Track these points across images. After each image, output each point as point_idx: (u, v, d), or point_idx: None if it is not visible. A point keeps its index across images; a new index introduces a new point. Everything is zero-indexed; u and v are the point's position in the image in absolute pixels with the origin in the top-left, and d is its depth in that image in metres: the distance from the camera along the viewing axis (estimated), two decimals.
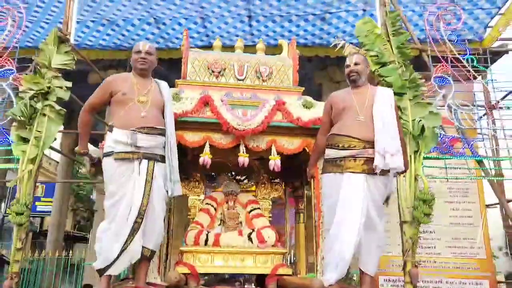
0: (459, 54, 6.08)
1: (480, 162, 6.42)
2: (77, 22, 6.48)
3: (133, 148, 3.75)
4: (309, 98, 4.70)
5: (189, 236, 4.74)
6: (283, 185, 5.66)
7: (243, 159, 4.42)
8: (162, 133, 3.91)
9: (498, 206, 7.70)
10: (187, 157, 4.85)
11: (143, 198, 3.68)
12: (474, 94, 6.61)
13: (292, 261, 6.37)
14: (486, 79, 6.89)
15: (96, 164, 4.21)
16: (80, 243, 19.73)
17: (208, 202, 5.14)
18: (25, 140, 4.35)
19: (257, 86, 4.87)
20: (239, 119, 4.37)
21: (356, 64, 4.04)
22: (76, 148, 4.15)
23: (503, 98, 7.42)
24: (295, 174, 5.35)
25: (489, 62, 6.83)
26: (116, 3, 8.39)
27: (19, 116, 4.31)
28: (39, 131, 4.38)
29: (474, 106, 6.51)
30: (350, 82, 4.13)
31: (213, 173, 5.57)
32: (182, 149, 4.60)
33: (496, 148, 7.09)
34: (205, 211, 5.04)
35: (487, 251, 7.12)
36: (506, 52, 8.20)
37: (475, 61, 6.11)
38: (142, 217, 3.67)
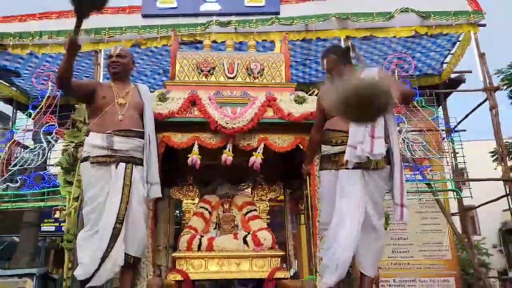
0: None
1: (428, 184, 5.76)
2: None
3: (110, 151, 2.66)
4: (301, 93, 3.30)
5: (182, 241, 3.29)
6: (281, 186, 4.15)
7: (226, 156, 3.07)
8: (140, 135, 2.77)
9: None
10: (180, 160, 3.41)
11: (121, 203, 2.59)
12: (438, 121, 6.17)
13: (296, 264, 4.74)
14: (436, 114, 6.24)
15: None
16: None
17: (202, 205, 3.66)
18: (70, 183, 4.05)
19: (248, 84, 3.43)
20: (227, 117, 3.04)
21: (328, 70, 2.83)
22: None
23: (457, 125, 6.80)
24: (294, 174, 3.81)
25: (440, 99, 6.64)
26: None
27: (65, 164, 3.97)
28: (79, 175, 3.88)
29: (432, 131, 5.99)
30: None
31: (207, 176, 4.02)
32: (174, 153, 3.24)
33: (456, 166, 6.25)
34: (199, 215, 3.55)
35: (453, 253, 6.49)
36: (463, 81, 7.39)
37: (423, 102, 5.78)
38: (121, 222, 2.58)
